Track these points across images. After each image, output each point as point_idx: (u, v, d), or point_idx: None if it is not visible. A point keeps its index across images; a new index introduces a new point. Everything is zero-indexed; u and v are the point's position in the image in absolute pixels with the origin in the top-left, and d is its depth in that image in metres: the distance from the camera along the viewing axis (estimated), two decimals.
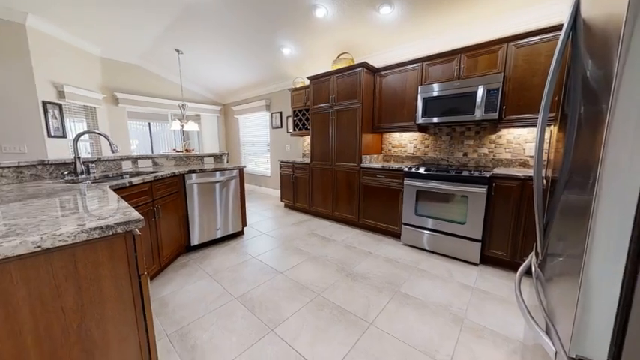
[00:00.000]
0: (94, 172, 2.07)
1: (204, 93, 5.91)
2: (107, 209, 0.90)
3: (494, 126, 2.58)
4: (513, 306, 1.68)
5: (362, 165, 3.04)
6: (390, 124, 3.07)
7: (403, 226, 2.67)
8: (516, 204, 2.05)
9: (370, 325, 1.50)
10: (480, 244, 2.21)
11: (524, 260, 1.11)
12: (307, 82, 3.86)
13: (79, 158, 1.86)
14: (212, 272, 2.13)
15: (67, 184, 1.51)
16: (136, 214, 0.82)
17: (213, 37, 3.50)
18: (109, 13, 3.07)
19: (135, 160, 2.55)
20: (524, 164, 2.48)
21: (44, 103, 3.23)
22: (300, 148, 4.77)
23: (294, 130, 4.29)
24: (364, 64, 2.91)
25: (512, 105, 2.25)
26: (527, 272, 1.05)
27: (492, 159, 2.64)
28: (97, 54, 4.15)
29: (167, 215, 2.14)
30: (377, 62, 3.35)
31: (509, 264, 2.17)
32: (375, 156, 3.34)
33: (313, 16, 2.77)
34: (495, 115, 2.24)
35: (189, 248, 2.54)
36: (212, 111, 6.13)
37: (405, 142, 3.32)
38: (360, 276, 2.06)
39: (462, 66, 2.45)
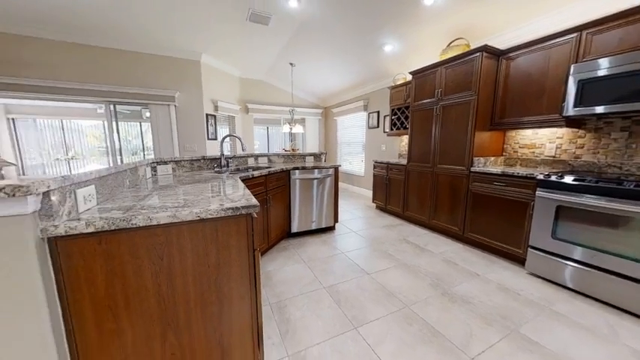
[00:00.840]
0: (230, 166, 2.73)
1: (309, 98, 6.61)
2: (237, 195, 1.17)
3: None
4: None
5: (472, 168, 2.56)
6: (519, 119, 2.43)
7: (530, 249, 2.07)
8: None
9: None
10: None
11: None
12: (409, 77, 3.62)
13: (223, 155, 2.49)
14: (306, 259, 2.37)
15: (215, 174, 2.07)
16: (254, 201, 1.02)
17: (319, 46, 3.85)
18: (247, 42, 3.94)
19: (256, 157, 3.18)
20: None
21: (207, 115, 4.53)
22: (397, 148, 4.53)
23: (392, 129, 4.13)
24: (484, 48, 2.43)
25: None
26: None
27: None
28: (237, 75, 5.41)
29: (275, 204, 2.55)
30: (502, 43, 2.71)
31: None
32: (492, 158, 2.73)
33: (421, 4, 2.55)
34: None
35: (289, 235, 2.93)
36: (315, 114, 6.78)
37: (542, 140, 2.54)
38: (461, 299, 1.76)
39: None
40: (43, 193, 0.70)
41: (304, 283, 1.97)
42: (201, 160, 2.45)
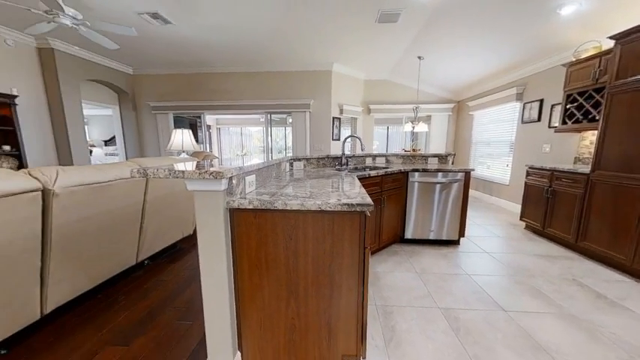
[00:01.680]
0: (349, 165, 2.91)
1: (437, 92, 5.89)
2: (353, 192, 1.24)
3: None
4: None
5: None
6: None
7: None
8: None
9: None
10: None
11: None
12: (606, 45, 2.45)
13: (343, 154, 2.69)
14: (419, 270, 2.16)
15: (336, 171, 2.27)
16: (369, 200, 1.04)
17: (457, 30, 3.32)
18: (373, 45, 4.01)
19: (374, 157, 3.21)
20: None
21: (333, 118, 5.04)
22: (572, 149, 3.21)
23: (565, 122, 2.97)
24: None
25: None
26: None
27: None
28: (361, 78, 5.64)
29: (389, 206, 2.48)
30: None
31: None
32: None
33: None
34: None
35: (402, 240, 2.77)
36: (444, 110, 5.96)
37: None
38: None
39: None
40: (229, 178, 1.02)
41: (415, 295, 1.81)
42: (326, 159, 2.76)
